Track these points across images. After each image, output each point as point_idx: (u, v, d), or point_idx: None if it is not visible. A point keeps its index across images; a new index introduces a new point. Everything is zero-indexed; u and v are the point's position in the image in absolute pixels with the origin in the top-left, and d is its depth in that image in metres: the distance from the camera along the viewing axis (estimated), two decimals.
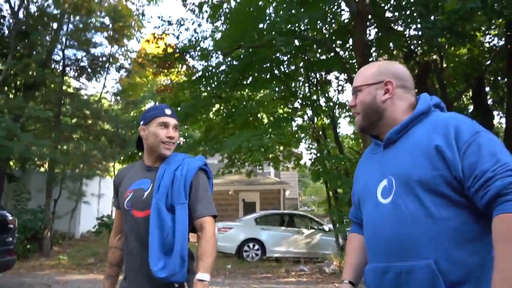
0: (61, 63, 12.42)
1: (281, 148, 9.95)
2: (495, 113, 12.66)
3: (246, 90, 10.55)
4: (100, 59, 12.51)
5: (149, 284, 1.71)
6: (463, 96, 11.37)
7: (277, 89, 8.22)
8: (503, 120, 12.88)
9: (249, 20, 8.87)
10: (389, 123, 1.31)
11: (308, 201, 30.82)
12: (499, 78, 12.02)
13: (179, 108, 12.12)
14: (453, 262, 1.12)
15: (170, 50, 11.69)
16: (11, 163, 12.32)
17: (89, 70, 13.18)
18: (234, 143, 8.26)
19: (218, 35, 11.46)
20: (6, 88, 12.48)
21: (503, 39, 10.17)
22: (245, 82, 10.11)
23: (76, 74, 13.20)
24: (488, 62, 10.72)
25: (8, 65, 10.04)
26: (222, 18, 10.48)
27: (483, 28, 9.48)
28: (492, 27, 9.91)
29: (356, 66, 8.86)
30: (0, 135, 8.09)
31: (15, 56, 10.67)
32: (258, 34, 8.99)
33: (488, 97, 11.77)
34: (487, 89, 11.66)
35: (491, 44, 10.77)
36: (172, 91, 12.48)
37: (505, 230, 1.04)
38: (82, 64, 12.50)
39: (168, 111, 1.85)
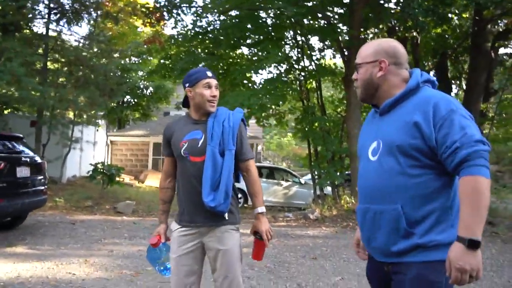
0: (44, 5, 11.97)
1: (273, 106, 10.75)
2: (453, 86, 14.28)
3: (242, 50, 11.08)
4: (86, 3, 12.18)
5: (204, 213, 2.10)
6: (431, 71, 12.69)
7: (280, 54, 8.85)
8: (460, 93, 14.59)
9: None
10: (384, 95, 1.59)
11: (269, 156, 32.21)
12: (459, 55, 13.50)
13: (166, 61, 12.39)
14: (415, 207, 1.46)
15: (160, 2, 11.69)
16: None
17: (70, 14, 12.81)
18: (236, 100, 8.95)
19: None
20: None
21: (469, 22, 11.45)
22: (245, 42, 10.58)
23: (56, 17, 12.76)
24: (456, 41, 11.98)
25: (2, 4, 9.67)
26: None
27: (457, 12, 10.62)
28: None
29: (349, 39, 9.71)
30: (6, 80, 8.10)
31: None
32: None
33: (449, 71, 13.24)
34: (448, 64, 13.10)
35: (460, 25, 12.00)
36: (162, 43, 12.64)
37: (466, 188, 1.35)
38: (69, 8, 12.11)
39: (209, 73, 2.18)
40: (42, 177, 6.41)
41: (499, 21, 11.80)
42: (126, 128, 20.07)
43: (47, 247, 5.39)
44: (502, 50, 13.25)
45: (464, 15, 11.35)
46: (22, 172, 5.89)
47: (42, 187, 6.39)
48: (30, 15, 11.83)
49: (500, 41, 12.34)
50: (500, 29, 12.11)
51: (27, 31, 12.13)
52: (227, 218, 2.13)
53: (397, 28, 10.85)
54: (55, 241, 5.76)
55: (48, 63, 11.85)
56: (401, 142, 1.47)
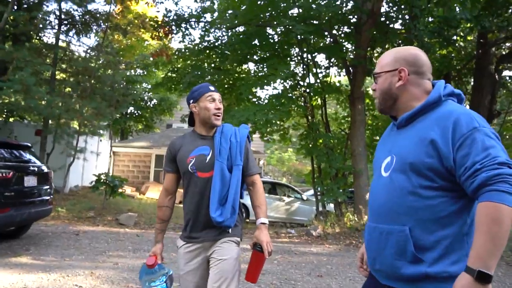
0: (55, 16, 12.16)
1: (278, 122, 10.82)
2: None
3: (248, 65, 11.21)
4: (97, 15, 12.38)
5: (209, 228, 2.12)
6: None
7: (286, 70, 8.95)
8: None
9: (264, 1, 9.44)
10: (403, 107, 1.47)
11: (270, 170, 32.18)
12: (463, 77, 13.63)
13: (172, 74, 12.51)
14: (425, 231, 1.33)
15: (169, 15, 11.86)
16: None
17: (79, 25, 12.99)
18: (242, 115, 9.02)
19: (215, 6, 11.86)
20: None
21: (475, 44, 11.61)
22: (252, 58, 10.71)
23: (66, 28, 12.95)
24: (461, 63, 12.12)
25: (15, 14, 9.83)
26: None
27: (462, 34, 10.77)
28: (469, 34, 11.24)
29: (355, 58, 9.83)
30: (16, 89, 8.18)
31: (20, 6, 10.38)
32: (272, 15, 9.63)
33: None
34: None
35: (464, 47, 12.16)
36: (169, 57, 12.79)
37: (484, 216, 1.20)
38: (78, 19, 12.31)
39: (211, 87, 2.20)
40: (48, 186, 6.42)
41: (502, 44, 11.97)
42: (129, 140, 20.11)
43: (52, 258, 5.36)
44: (505, 73, 13.38)
45: (469, 38, 11.50)
46: (30, 181, 5.90)
47: (48, 197, 6.39)
48: (41, 26, 12.01)
49: (504, 63, 12.50)
50: (504, 52, 12.27)
51: (37, 41, 12.29)
52: (230, 231, 2.14)
53: None
54: (60, 252, 5.74)
55: (56, 73, 11.95)
56: (414, 159, 1.35)
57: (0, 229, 5.78)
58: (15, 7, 11.11)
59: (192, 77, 10.51)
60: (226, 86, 11.54)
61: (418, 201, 1.34)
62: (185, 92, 11.58)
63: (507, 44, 12.11)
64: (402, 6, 9.05)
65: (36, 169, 6.17)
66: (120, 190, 10.60)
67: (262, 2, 9.36)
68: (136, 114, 21.28)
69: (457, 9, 9.11)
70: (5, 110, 11.90)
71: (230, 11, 10.94)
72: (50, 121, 11.15)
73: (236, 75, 11.53)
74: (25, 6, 11.75)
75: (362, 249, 1.72)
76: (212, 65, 11.56)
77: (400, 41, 10.89)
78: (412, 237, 1.34)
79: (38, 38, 12.36)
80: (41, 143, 11.12)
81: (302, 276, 5.19)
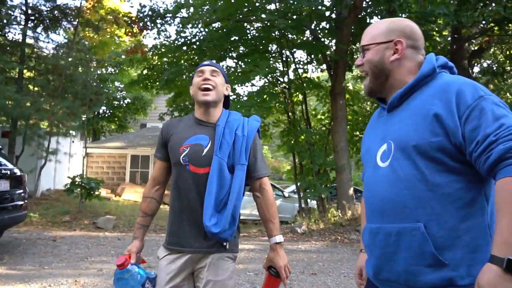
0: (21, 11, 11.53)
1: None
2: None
3: (226, 62, 11.02)
4: (66, 10, 11.83)
5: (200, 237, 1.72)
6: None
7: (267, 68, 8.83)
8: None
9: None
10: (396, 84, 1.27)
11: None
12: None
13: (148, 72, 12.17)
14: (443, 227, 1.11)
15: (144, 11, 11.55)
16: None
17: (47, 21, 12.39)
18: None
19: (191, 1, 11.60)
20: None
21: (449, 39, 11.89)
22: (230, 54, 10.53)
23: (33, 24, 12.32)
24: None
25: None
26: None
27: (437, 29, 10.98)
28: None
29: (336, 53, 9.82)
30: None
31: None
32: (250, 10, 9.47)
33: None
34: None
35: (439, 42, 12.44)
36: (144, 54, 12.41)
37: (504, 193, 1.00)
38: (46, 15, 11.72)
39: (206, 62, 1.86)
40: (22, 191, 6.01)
41: (473, 40, 12.31)
42: (103, 140, 19.46)
43: (29, 266, 5.01)
44: (476, 68, 13.79)
45: (444, 33, 11.75)
46: (1, 185, 5.49)
47: (22, 202, 5.98)
48: (5, 21, 11.37)
49: (475, 58, 12.86)
50: (475, 48, 12.63)
51: (1, 37, 11.62)
52: (227, 246, 1.75)
53: None
54: (37, 260, 5.38)
55: (24, 71, 11.34)
56: (418, 140, 1.15)
57: None
58: None
59: (170, 74, 10.20)
60: None
61: (430, 190, 1.13)
62: (163, 90, 11.26)
63: (478, 40, 12.46)
64: (380, 1, 9.08)
65: (8, 172, 5.75)
66: (96, 193, 10.17)
67: None
68: (109, 113, 20.64)
69: (430, 4, 9.23)
70: None
71: (206, 7, 10.70)
72: (18, 122, 10.57)
73: None
74: None
75: (360, 262, 1.49)
76: (190, 62, 11.27)
77: None
78: (428, 235, 1.11)
79: (2, 34, 11.67)
80: (9, 145, 10.52)
81: (296, 275, 5.07)
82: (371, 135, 1.38)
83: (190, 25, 11.38)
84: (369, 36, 1.31)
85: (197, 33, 11.41)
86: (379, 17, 9.63)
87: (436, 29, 11.12)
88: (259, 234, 9.42)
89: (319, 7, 9.09)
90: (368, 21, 9.92)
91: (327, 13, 9.86)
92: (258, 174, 1.80)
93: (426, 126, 1.14)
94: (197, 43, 11.16)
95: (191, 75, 2.03)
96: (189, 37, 11.27)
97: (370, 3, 9.76)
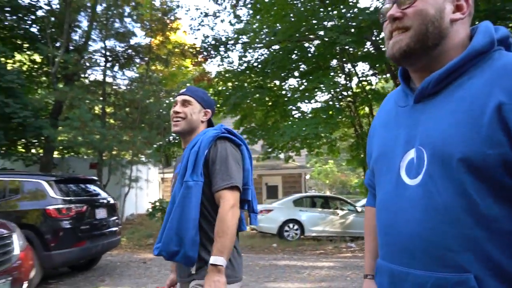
0: (100, 54, 12.80)
1: (327, 134, 10.72)
2: None
3: (290, 81, 11.27)
4: (138, 49, 12.91)
5: (181, 268, 1.69)
6: None
7: (331, 83, 8.89)
8: None
9: (302, 15, 9.48)
10: (443, 58, 0.88)
11: (313, 184, 31.84)
12: None
13: (215, 97, 12.75)
14: (503, 279, 0.76)
15: (207, 41, 12.17)
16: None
17: (122, 60, 13.59)
18: (292, 131, 8.99)
19: (250, 26, 12.05)
20: (45, 78, 12.85)
21: None
22: (293, 73, 10.76)
23: (110, 64, 13.58)
24: None
25: (65, 57, 10.43)
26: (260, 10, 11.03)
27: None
28: None
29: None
30: (76, 125, 8.58)
31: (67, 49, 11.04)
32: (309, 29, 9.66)
33: None
34: None
35: None
36: (210, 80, 13.06)
37: None
38: (121, 54, 12.89)
39: (182, 90, 1.80)
40: (116, 217, 6.60)
41: None
42: (174, 165, 20.56)
43: (128, 287, 5.45)
44: None
45: None
46: (100, 213, 6.09)
47: (116, 228, 6.56)
48: (88, 64, 12.67)
49: None
50: None
51: (86, 79, 12.94)
52: (193, 272, 1.60)
53: None
54: (134, 281, 5.83)
55: (105, 107, 12.49)
56: (468, 152, 0.77)
57: (77, 262, 5.97)
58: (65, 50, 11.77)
59: (236, 98, 10.63)
60: (269, 104, 11.58)
61: (483, 226, 0.77)
62: (231, 114, 11.73)
63: None
64: None
65: (104, 201, 6.37)
66: None
67: (301, 17, 9.38)
68: (178, 139, 21.79)
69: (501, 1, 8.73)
70: (62, 147, 12.53)
71: (265, 30, 11.08)
72: (103, 154, 11.61)
73: (279, 92, 11.56)
74: (72, 48, 12.45)
75: None
76: (254, 84, 11.66)
77: None
78: None
79: (86, 76, 13.01)
80: (97, 175, 11.56)
81: None
82: (387, 133, 0.98)
83: (251, 50, 11.81)
84: None
85: (259, 56, 11.79)
86: None
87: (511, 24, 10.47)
88: (336, 251, 9.32)
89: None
90: None
91: None
92: (214, 188, 1.59)
93: (480, 130, 0.77)
94: (259, 66, 11.53)
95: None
96: (251, 61, 11.68)
97: None
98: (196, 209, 1.56)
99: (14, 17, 10.97)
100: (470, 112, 0.79)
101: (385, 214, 0.93)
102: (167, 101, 15.05)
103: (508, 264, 0.76)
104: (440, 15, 0.87)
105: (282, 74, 10.72)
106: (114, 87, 13.15)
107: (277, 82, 11.55)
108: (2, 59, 10.37)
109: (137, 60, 13.31)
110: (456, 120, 0.81)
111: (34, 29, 11.89)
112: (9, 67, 11.02)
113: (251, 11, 11.89)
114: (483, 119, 0.77)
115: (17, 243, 3.30)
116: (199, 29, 13.04)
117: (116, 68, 13.48)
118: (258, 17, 11.43)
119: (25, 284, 3.21)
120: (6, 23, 11.01)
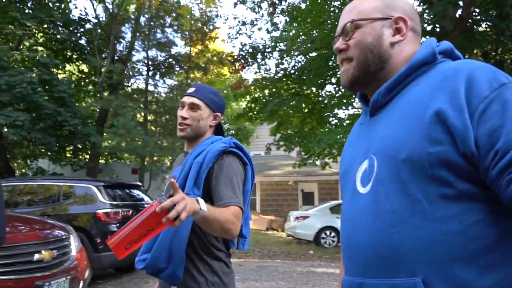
0: (142, 63, 13.37)
1: None
2: None
3: (327, 87, 11.28)
4: (178, 57, 13.37)
5: (161, 284, 1.57)
6: None
7: None
8: None
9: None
10: (391, 76, 0.91)
11: None
12: None
13: (252, 104, 12.96)
14: (452, 283, 0.73)
15: (245, 49, 12.40)
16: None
17: (163, 68, 14.12)
18: (330, 138, 8.97)
19: (287, 33, 12.17)
20: (92, 87, 13.57)
21: None
22: (332, 80, 10.78)
23: (152, 73, 14.15)
24: None
25: (111, 67, 10.99)
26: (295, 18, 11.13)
27: None
28: None
29: None
30: (120, 132, 9.03)
31: (112, 59, 11.64)
32: None
33: None
34: None
35: None
36: (247, 88, 13.29)
37: None
38: (162, 63, 13.41)
39: (190, 90, 1.67)
40: None
41: None
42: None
43: None
44: None
45: None
46: None
47: None
48: (131, 73, 13.26)
49: None
50: None
51: (129, 88, 13.55)
52: None
53: (492, 53, 10.33)
54: None
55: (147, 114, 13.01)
56: (410, 151, 0.77)
57: (122, 264, 6.28)
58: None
59: (273, 105, 10.76)
60: (306, 110, 11.63)
61: (429, 226, 0.74)
62: (268, 121, 11.87)
63: None
64: (490, 6, 8.53)
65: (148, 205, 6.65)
66: None
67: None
68: None
69: None
70: (107, 153, 13.17)
71: (302, 37, 11.16)
72: (145, 160, 12.09)
73: (316, 98, 11.58)
74: (117, 58, 13.08)
75: None
76: (291, 92, 11.75)
77: (489, 46, 10.26)
78: None
79: (129, 85, 13.62)
80: (139, 180, 12.04)
81: None
82: (351, 150, 1.00)
83: (288, 57, 11.93)
84: (357, 10, 0.95)
85: (296, 64, 11.89)
86: (488, 23, 9.04)
87: None
88: None
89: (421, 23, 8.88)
90: (475, 30, 9.37)
91: (429, 28, 9.56)
92: (224, 203, 1.44)
93: (421, 130, 0.77)
94: (296, 73, 11.62)
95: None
96: (288, 68, 11.79)
97: (478, 11, 9.22)
98: (190, 225, 1.45)
99: (66, 31, 11.69)
100: (414, 113, 0.81)
101: (344, 227, 0.93)
102: None
103: (456, 267, 0.72)
104: (378, 41, 0.92)
105: (319, 81, 10.74)
106: (155, 95, 13.66)
107: (314, 89, 11.56)
108: (55, 70, 11.08)
109: (177, 69, 13.77)
110: (402, 123, 0.82)
111: (82, 41, 12.61)
112: (60, 77, 11.75)
113: (288, 19, 12.03)
114: (424, 119, 0.78)
115: (74, 244, 3.56)
116: (236, 38, 13.30)
117: (157, 77, 14.02)
118: (295, 24, 11.55)
119: (81, 283, 3.46)
120: (59, 37, 11.75)
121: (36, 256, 3.03)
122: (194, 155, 1.54)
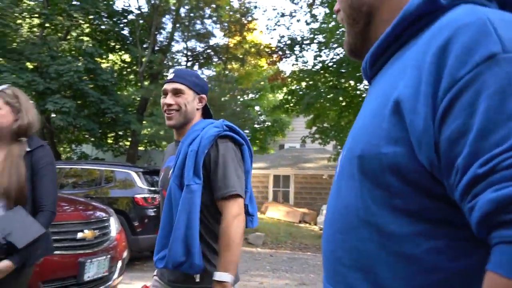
0: (182, 53, 13.64)
1: None
2: None
3: (365, 81, 11.05)
4: (216, 49, 13.52)
5: (170, 272, 1.55)
6: None
7: None
8: None
9: None
10: (381, 33, 0.68)
11: None
12: None
13: (288, 96, 12.90)
14: None
15: (283, 41, 12.34)
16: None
17: (202, 59, 14.33)
18: None
19: (326, 25, 11.97)
20: (133, 76, 14.00)
21: None
22: None
23: (191, 63, 14.40)
24: None
25: (152, 57, 11.30)
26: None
27: None
28: None
29: None
30: (159, 121, 9.30)
31: (153, 49, 11.96)
32: None
33: None
34: None
35: None
36: (284, 80, 13.25)
37: None
38: (200, 54, 13.61)
39: (169, 76, 1.62)
40: None
41: None
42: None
43: None
44: None
45: None
46: None
47: None
48: (170, 64, 13.55)
49: None
50: None
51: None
52: (197, 279, 1.48)
53: None
54: None
55: None
56: (365, 149, 0.60)
57: None
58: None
59: (310, 98, 10.69)
60: (343, 104, 11.46)
61: (379, 243, 0.59)
62: (304, 113, 11.82)
63: None
64: None
65: None
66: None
67: None
68: (250, 136, 22.38)
69: None
70: (146, 140, 13.60)
71: (341, 29, 10.96)
72: None
73: (354, 92, 11.38)
74: (157, 48, 13.41)
75: None
76: (328, 84, 11.61)
77: None
78: None
79: (169, 75, 13.95)
80: None
81: None
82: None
83: (326, 49, 11.77)
84: None
85: (334, 56, 11.72)
86: None
87: None
88: None
89: None
90: None
91: None
92: (217, 195, 1.47)
93: (382, 122, 0.58)
94: (334, 65, 11.45)
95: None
96: (326, 61, 11.65)
97: None
98: (198, 214, 1.45)
99: (110, 22, 12.11)
100: (384, 96, 0.59)
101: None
102: (241, 99, 15.56)
103: None
104: None
105: (357, 74, 10.53)
106: None
107: (352, 82, 11.37)
108: (99, 59, 11.52)
109: (215, 59, 13.92)
110: (370, 109, 0.63)
111: (125, 32, 13.01)
112: (103, 66, 12.22)
113: (327, 10, 11.84)
114: (388, 106, 0.57)
115: (114, 226, 3.75)
116: (275, 29, 13.37)
117: (195, 67, 14.24)
118: (334, 16, 11.36)
119: (120, 263, 3.64)
120: (103, 27, 12.19)
121: (80, 235, 3.22)
122: (187, 143, 1.51)
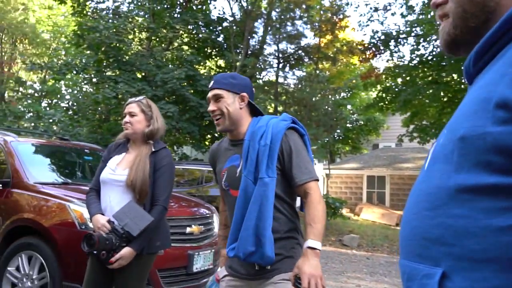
0: (273, 56, 13.92)
1: None
2: None
3: None
4: (307, 49, 13.53)
5: (244, 265, 1.63)
6: None
7: None
8: None
9: None
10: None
11: None
12: None
13: (383, 94, 12.34)
14: (477, 283, 0.58)
15: (376, 37, 11.88)
16: None
17: (292, 60, 14.44)
18: None
19: (424, 16, 11.19)
20: None
21: None
22: None
23: (282, 65, 14.62)
24: None
25: (245, 61, 11.77)
26: None
27: None
28: None
29: None
30: None
31: (246, 53, 12.44)
32: None
33: None
34: None
35: None
36: (378, 77, 12.76)
37: None
38: (292, 55, 13.74)
39: (210, 85, 1.69)
40: None
41: None
42: (340, 162, 20.78)
43: None
44: None
45: None
46: None
47: None
48: (263, 66, 13.93)
49: None
50: None
51: (260, 80, 14.26)
52: (269, 268, 1.58)
53: None
54: None
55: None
56: (466, 131, 0.60)
57: None
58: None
59: (407, 94, 10.15)
60: (445, 99, 10.66)
61: (469, 217, 0.59)
62: (400, 111, 11.26)
63: None
64: None
65: None
66: (340, 212, 10.96)
67: None
68: (343, 136, 21.89)
69: None
70: None
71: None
72: None
73: (457, 86, 10.50)
74: (250, 52, 13.87)
75: None
76: (427, 80, 10.88)
77: None
78: None
79: (261, 77, 14.33)
80: None
81: None
82: None
83: (425, 42, 11.06)
84: None
85: (434, 49, 10.95)
86: None
87: None
88: None
89: None
90: None
91: None
92: (297, 181, 1.56)
93: (485, 111, 0.58)
94: (434, 59, 10.71)
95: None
96: (425, 54, 10.94)
97: None
98: (272, 207, 1.54)
99: (206, 30, 12.89)
100: (482, 93, 0.60)
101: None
102: (333, 99, 15.34)
103: (488, 264, 0.57)
104: None
105: (461, 67, 9.71)
106: (285, 86, 14.09)
107: (455, 76, 10.50)
108: (197, 66, 12.33)
109: (306, 60, 13.93)
110: (476, 94, 0.62)
111: (220, 38, 13.72)
112: (201, 72, 13.04)
113: (425, 0, 11.11)
114: (487, 105, 0.58)
115: (217, 222, 4.01)
116: (368, 25, 12.90)
117: (287, 69, 14.43)
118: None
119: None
120: (200, 36, 13.02)
121: (188, 229, 3.52)
122: (257, 139, 1.58)
